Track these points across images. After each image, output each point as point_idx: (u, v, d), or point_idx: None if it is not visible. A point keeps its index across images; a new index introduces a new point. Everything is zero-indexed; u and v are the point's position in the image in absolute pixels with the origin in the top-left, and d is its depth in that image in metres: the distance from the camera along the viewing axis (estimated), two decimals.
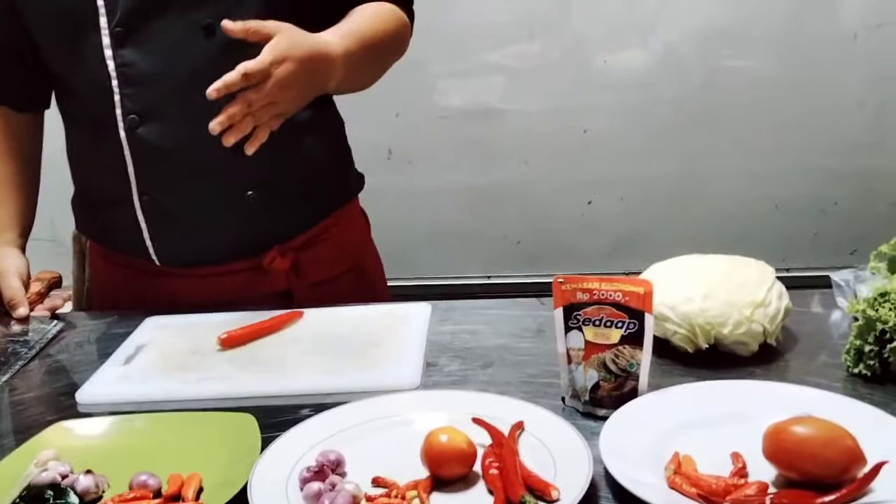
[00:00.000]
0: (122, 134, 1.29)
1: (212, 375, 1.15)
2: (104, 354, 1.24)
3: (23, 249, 1.43)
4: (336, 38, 1.24)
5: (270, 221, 1.38)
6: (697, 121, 2.45)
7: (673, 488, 0.82)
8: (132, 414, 1.04)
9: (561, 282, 1.01)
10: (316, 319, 1.30)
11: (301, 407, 1.04)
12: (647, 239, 2.45)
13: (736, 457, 0.86)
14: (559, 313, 1.01)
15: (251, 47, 1.14)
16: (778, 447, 0.82)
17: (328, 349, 1.20)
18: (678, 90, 2.43)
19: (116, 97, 1.28)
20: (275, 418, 1.01)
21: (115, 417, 1.02)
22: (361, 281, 1.51)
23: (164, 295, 1.41)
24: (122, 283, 1.46)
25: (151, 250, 1.37)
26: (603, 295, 0.98)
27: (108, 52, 1.26)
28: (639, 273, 1.16)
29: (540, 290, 1.41)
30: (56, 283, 1.45)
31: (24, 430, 1.03)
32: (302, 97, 1.21)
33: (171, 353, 1.22)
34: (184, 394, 1.11)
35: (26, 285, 1.38)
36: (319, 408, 1.01)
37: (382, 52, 1.35)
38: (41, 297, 1.40)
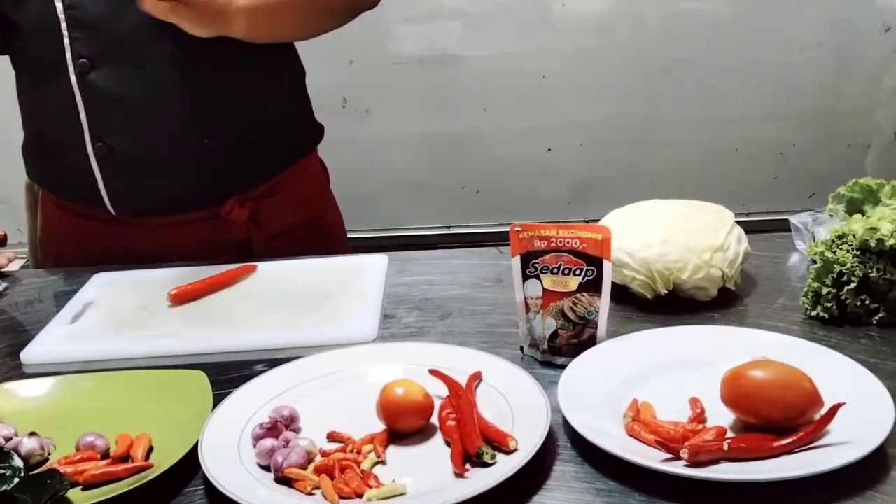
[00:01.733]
0: (73, 79, 1.26)
1: (162, 332, 1.12)
2: (51, 313, 1.21)
3: None
4: None
5: (228, 171, 1.35)
6: (656, 65, 2.42)
7: (631, 435, 0.81)
8: (79, 374, 1.00)
9: (518, 230, 0.99)
10: (270, 273, 1.27)
11: (254, 363, 1.02)
12: (608, 185, 2.44)
13: (694, 402, 0.85)
14: (516, 262, 0.99)
15: None
16: (735, 392, 0.81)
17: (282, 303, 1.18)
18: (636, 34, 2.40)
19: (66, 41, 1.24)
20: (227, 375, 0.99)
21: (60, 378, 0.99)
22: (321, 232, 1.50)
23: (119, 246, 1.37)
24: (76, 234, 1.42)
25: (106, 198, 1.33)
26: (560, 242, 0.97)
27: None
28: (598, 220, 1.15)
29: (500, 240, 1.38)
30: (1, 242, 1.40)
31: None
32: (196, 19, 1.19)
33: (120, 310, 1.19)
34: (133, 351, 1.08)
35: None
36: (273, 363, 0.99)
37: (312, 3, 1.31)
38: None
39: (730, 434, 0.80)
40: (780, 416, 0.79)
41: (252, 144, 1.36)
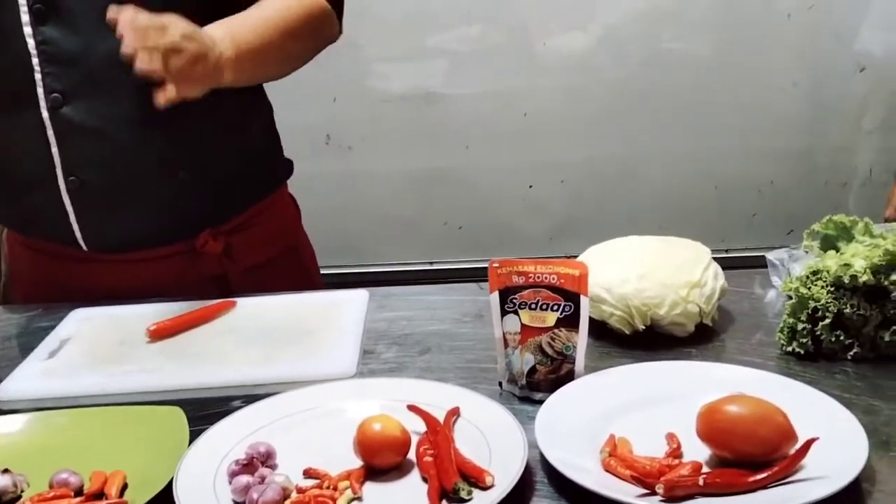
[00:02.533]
0: (45, 114, 1.24)
1: (140, 367, 1.12)
2: (26, 349, 1.20)
3: None
4: (224, 30, 1.20)
5: (202, 203, 1.35)
6: (636, 103, 2.45)
7: (608, 470, 0.81)
8: (54, 410, 1.00)
9: (496, 266, 1.00)
10: (249, 308, 1.27)
11: (232, 398, 1.02)
12: (588, 222, 2.46)
13: (671, 437, 0.86)
14: (495, 297, 1.00)
15: None
16: (711, 426, 0.82)
17: (262, 339, 1.18)
18: (617, 72, 2.44)
19: (38, 76, 1.23)
20: (205, 411, 0.98)
21: (34, 414, 0.98)
22: (295, 265, 1.50)
23: (92, 283, 1.36)
24: (46, 273, 1.41)
25: (78, 234, 1.32)
26: (538, 278, 0.97)
27: (27, 30, 1.21)
28: (579, 256, 1.16)
29: (482, 276, 1.38)
30: None
31: None
32: (192, 79, 1.15)
33: (98, 346, 1.18)
34: (110, 388, 1.07)
35: None
36: (251, 399, 0.99)
37: (289, 40, 1.30)
38: None
39: (705, 469, 0.81)
40: (755, 450, 0.80)
41: (225, 177, 1.37)
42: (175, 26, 1.09)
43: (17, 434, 0.95)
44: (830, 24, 2.37)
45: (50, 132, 1.26)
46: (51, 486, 0.84)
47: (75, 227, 1.31)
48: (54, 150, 1.27)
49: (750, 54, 2.40)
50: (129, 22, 1.08)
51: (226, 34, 1.19)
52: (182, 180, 1.32)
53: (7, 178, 1.36)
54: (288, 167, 1.51)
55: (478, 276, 1.42)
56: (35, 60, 1.23)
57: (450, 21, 2.38)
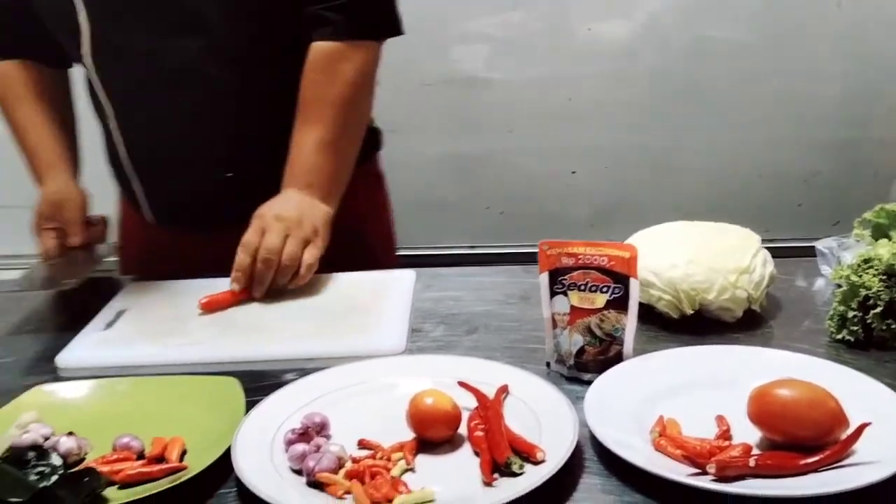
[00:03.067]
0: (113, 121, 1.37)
1: (193, 340, 1.14)
2: (85, 320, 1.23)
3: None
4: (301, 184, 1.28)
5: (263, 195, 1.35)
6: (681, 90, 2.44)
7: (658, 450, 0.82)
8: (115, 378, 1.02)
9: (546, 247, 1.00)
10: (299, 286, 1.29)
11: (285, 371, 1.04)
12: (631, 208, 2.45)
13: (720, 420, 0.86)
14: (544, 278, 1.01)
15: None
16: (762, 409, 0.82)
17: (313, 314, 1.20)
18: (662, 60, 2.42)
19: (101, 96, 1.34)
20: (258, 382, 1.00)
21: (96, 381, 1.01)
22: (361, 246, 1.47)
23: (174, 254, 1.42)
24: (156, 246, 1.48)
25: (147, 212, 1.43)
26: (588, 259, 0.98)
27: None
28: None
29: (523, 260, 1.40)
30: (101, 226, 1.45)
31: (3, 394, 1.01)
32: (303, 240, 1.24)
33: (153, 318, 1.21)
34: (165, 358, 1.10)
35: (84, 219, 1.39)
36: (303, 373, 1.01)
37: (350, 126, 1.33)
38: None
39: (756, 451, 0.81)
40: (806, 434, 0.80)
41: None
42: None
43: (80, 400, 0.98)
44: (881, 13, 2.34)
45: (116, 133, 1.37)
46: (113, 450, 0.87)
47: (146, 207, 1.41)
48: (121, 149, 1.38)
49: (797, 43, 2.37)
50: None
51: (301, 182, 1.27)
52: (234, 179, 1.35)
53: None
54: (372, 141, 1.49)
55: (520, 260, 1.43)
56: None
57: (493, 6, 2.38)
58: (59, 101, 1.43)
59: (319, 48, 1.28)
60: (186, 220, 1.36)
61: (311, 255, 1.23)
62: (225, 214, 1.34)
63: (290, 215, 1.24)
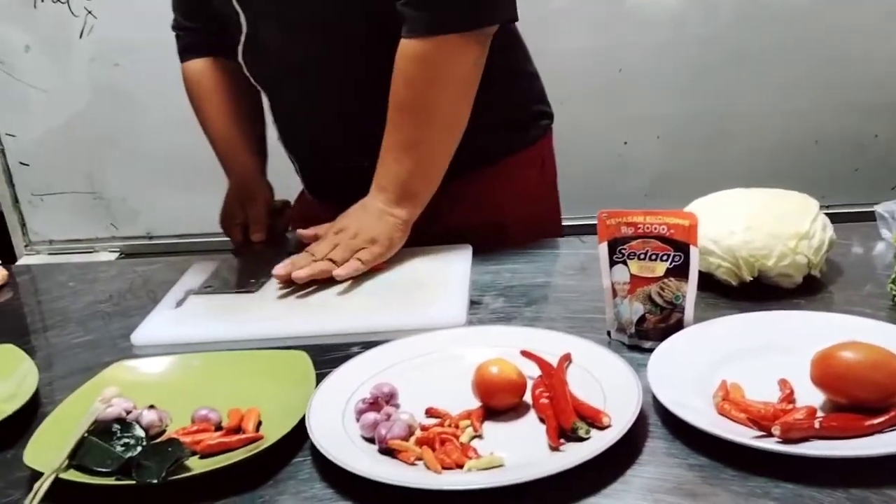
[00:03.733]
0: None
1: (261, 316, 1.18)
2: (156, 298, 1.27)
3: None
4: (376, 187, 1.30)
5: None
6: (733, 56, 2.41)
7: (722, 414, 0.83)
8: (189, 354, 1.06)
9: (605, 216, 1.01)
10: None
11: (351, 345, 1.06)
12: (685, 178, 2.43)
13: (783, 383, 0.87)
14: (604, 248, 1.02)
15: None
16: (826, 372, 0.83)
17: (374, 290, 1.23)
18: (713, 26, 2.40)
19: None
20: (326, 356, 1.03)
21: (172, 357, 1.05)
22: (497, 236, 1.41)
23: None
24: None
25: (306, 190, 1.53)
26: (647, 228, 0.99)
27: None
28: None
29: (578, 232, 1.41)
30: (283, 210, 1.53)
31: (84, 371, 1.06)
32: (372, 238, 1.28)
33: (220, 295, 1.25)
34: (235, 334, 1.13)
35: (270, 213, 1.47)
36: (368, 346, 1.03)
37: (432, 128, 1.28)
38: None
39: (820, 414, 0.82)
40: (870, 396, 0.80)
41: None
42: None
43: (159, 375, 1.02)
44: None
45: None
46: (192, 422, 0.90)
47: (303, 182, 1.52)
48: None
49: (849, 3, 2.33)
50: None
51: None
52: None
53: None
54: (532, 126, 1.47)
55: (574, 232, 1.44)
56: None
57: None
58: (247, 93, 1.47)
59: (401, 48, 1.23)
60: (336, 197, 1.38)
61: (362, 255, 1.26)
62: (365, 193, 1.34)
63: (350, 229, 1.28)
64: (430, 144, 1.29)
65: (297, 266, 1.24)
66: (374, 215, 1.28)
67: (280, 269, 1.24)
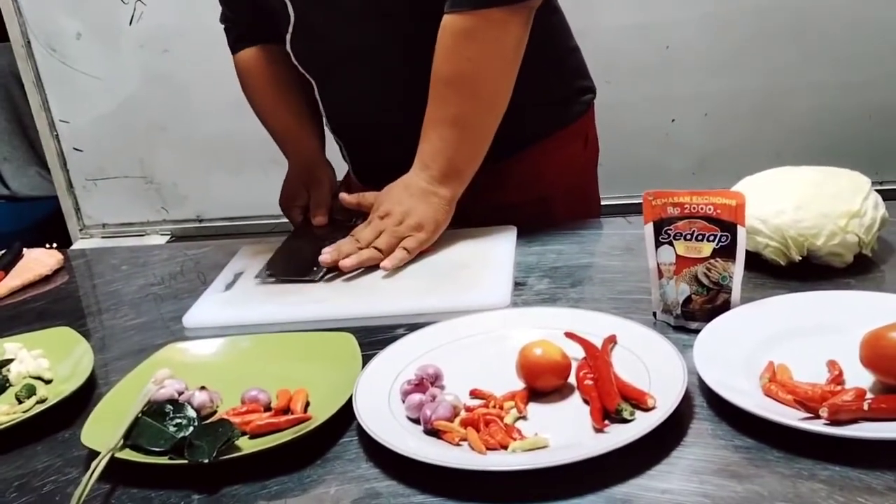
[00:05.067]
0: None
1: (308, 299, 1.19)
2: (207, 282, 1.30)
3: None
4: (420, 164, 1.29)
5: None
6: (780, 32, 2.36)
7: (768, 395, 0.82)
8: (239, 335, 1.08)
9: (651, 197, 1.01)
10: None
11: (396, 327, 1.07)
12: (733, 156, 2.40)
13: (832, 364, 0.86)
14: (649, 228, 1.01)
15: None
16: (876, 353, 0.81)
17: (418, 273, 1.23)
18: (759, 0, 2.35)
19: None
20: (371, 338, 1.04)
21: (222, 339, 1.07)
22: (542, 215, 1.41)
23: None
24: None
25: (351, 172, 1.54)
26: (694, 209, 0.98)
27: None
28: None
29: (625, 211, 1.40)
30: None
31: (137, 353, 1.09)
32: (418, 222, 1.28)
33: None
34: (283, 316, 1.15)
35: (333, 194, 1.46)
36: (413, 327, 1.04)
37: (477, 104, 1.27)
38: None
39: (869, 395, 0.81)
40: None
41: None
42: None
43: (209, 357, 1.04)
44: None
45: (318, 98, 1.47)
46: (242, 402, 0.92)
47: (350, 167, 1.52)
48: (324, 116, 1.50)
49: None
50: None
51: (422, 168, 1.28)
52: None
53: None
54: (576, 101, 1.45)
55: (621, 211, 1.43)
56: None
57: None
58: (300, 80, 1.47)
59: (443, 23, 1.24)
60: (383, 181, 1.39)
61: (408, 243, 1.26)
62: None
63: (396, 212, 1.27)
64: (474, 120, 1.28)
65: (344, 253, 1.25)
66: (418, 196, 1.28)
67: (326, 256, 1.25)
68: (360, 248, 1.26)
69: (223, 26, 1.53)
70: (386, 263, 1.23)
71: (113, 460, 0.83)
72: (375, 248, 1.25)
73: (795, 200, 1.09)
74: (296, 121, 1.49)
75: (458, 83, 1.25)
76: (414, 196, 1.28)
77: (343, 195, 1.37)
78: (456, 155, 1.28)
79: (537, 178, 1.41)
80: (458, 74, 1.25)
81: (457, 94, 1.26)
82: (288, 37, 1.37)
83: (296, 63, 1.41)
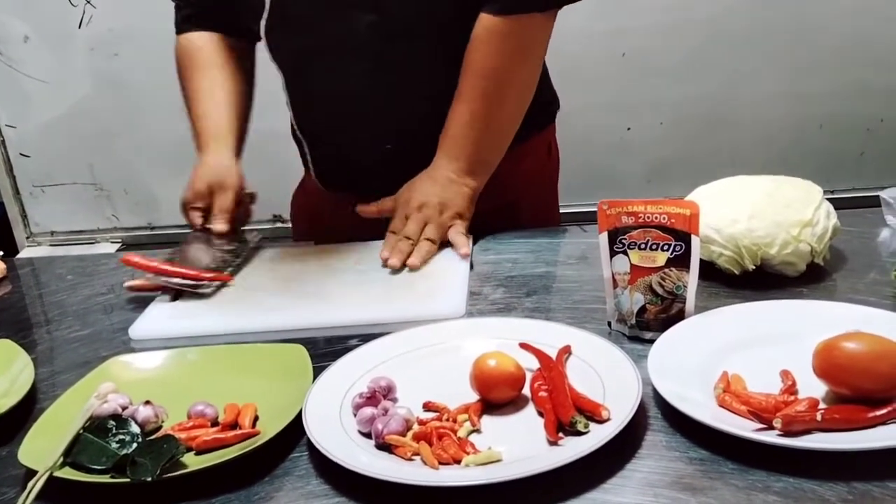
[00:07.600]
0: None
1: (259, 309, 1.17)
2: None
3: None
4: (449, 156, 1.31)
5: (424, 164, 1.35)
6: (735, 41, 2.39)
7: (722, 406, 0.82)
8: (186, 348, 1.06)
9: (605, 206, 1.00)
10: (358, 251, 1.31)
11: (349, 338, 1.06)
12: (688, 164, 2.42)
13: (786, 374, 0.86)
14: (604, 238, 1.01)
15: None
16: (828, 363, 0.81)
17: (371, 281, 1.22)
18: (715, 9, 2.37)
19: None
20: (323, 349, 1.02)
21: (168, 351, 1.04)
22: (511, 221, 1.44)
23: (333, 221, 1.47)
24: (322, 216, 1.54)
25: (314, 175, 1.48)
26: (648, 218, 0.98)
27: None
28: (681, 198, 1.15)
29: (580, 219, 1.40)
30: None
31: (82, 366, 1.05)
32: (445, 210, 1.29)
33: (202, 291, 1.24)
34: (233, 327, 1.13)
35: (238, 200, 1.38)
36: (367, 338, 1.02)
37: (507, 100, 1.30)
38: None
39: (822, 406, 0.81)
40: (873, 387, 0.79)
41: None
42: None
43: (155, 370, 1.01)
44: None
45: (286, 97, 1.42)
46: (188, 417, 0.90)
47: (313, 170, 1.47)
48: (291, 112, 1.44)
49: None
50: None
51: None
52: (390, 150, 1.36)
53: None
54: (544, 111, 1.47)
55: (576, 219, 1.43)
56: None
57: None
58: (241, 74, 1.44)
59: (482, 21, 1.26)
60: (347, 186, 1.37)
61: (454, 232, 1.28)
62: (384, 183, 1.36)
63: (432, 202, 1.29)
64: (504, 116, 1.32)
65: (401, 251, 1.25)
66: (447, 185, 1.29)
67: (394, 260, 1.24)
68: (413, 243, 1.26)
69: (174, 4, 1.46)
70: (414, 260, 1.24)
71: (51, 479, 0.80)
72: (427, 238, 1.26)
73: (749, 210, 1.09)
74: (224, 116, 1.40)
75: (493, 80, 1.28)
76: (445, 187, 1.29)
77: (361, 207, 1.35)
78: (485, 148, 1.31)
79: (504, 186, 1.41)
80: (495, 72, 1.28)
81: (491, 91, 1.28)
82: (263, 24, 1.31)
83: (268, 54, 1.35)
